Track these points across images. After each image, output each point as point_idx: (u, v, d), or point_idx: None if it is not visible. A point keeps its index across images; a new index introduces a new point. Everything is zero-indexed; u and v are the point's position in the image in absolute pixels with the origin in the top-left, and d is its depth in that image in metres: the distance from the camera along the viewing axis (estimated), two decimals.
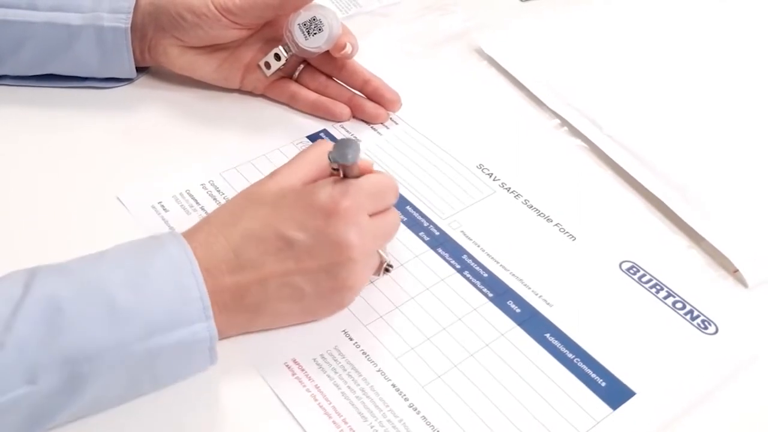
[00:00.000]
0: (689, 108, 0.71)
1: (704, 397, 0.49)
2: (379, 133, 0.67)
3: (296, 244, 0.48)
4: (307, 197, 0.49)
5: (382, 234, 0.53)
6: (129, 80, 0.69)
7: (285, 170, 0.52)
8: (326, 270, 0.49)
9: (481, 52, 0.77)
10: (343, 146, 0.47)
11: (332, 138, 0.66)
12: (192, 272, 0.45)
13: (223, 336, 0.48)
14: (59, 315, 0.41)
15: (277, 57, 0.65)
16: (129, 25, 0.64)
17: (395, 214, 0.54)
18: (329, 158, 0.48)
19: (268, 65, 0.66)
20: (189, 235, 0.49)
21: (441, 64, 0.76)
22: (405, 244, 0.58)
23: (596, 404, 0.48)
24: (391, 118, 0.69)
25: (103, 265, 0.45)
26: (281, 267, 0.48)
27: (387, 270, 0.54)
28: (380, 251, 0.53)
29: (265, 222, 0.49)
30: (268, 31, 0.66)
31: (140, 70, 0.69)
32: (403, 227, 0.59)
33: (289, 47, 0.65)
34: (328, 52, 0.65)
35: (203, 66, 0.67)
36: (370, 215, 0.51)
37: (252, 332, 0.51)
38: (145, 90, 0.69)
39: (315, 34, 0.63)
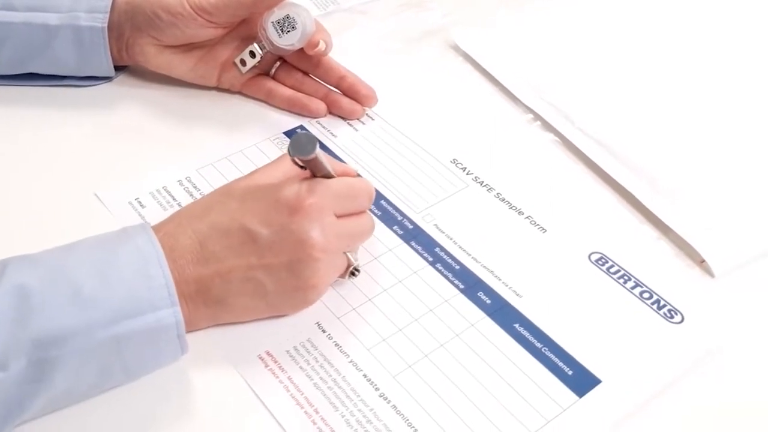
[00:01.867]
0: (659, 102, 0.72)
1: (669, 384, 0.50)
2: (355, 128, 0.68)
3: (259, 239, 0.49)
4: (274, 193, 0.50)
5: (348, 235, 0.53)
6: (108, 79, 0.70)
7: (262, 169, 0.53)
8: (288, 267, 0.49)
9: (457, 49, 0.78)
10: (299, 141, 0.48)
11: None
12: (158, 262, 0.46)
13: (192, 328, 0.49)
14: (27, 303, 0.42)
15: (252, 54, 0.66)
16: (106, 25, 0.65)
17: (367, 219, 0.55)
18: (288, 153, 0.49)
19: (243, 62, 0.67)
20: (158, 226, 0.50)
21: (418, 60, 0.77)
22: (379, 238, 0.58)
23: (563, 392, 0.49)
24: (367, 114, 0.70)
25: (72, 255, 0.46)
26: (243, 261, 0.49)
27: (353, 274, 0.54)
28: (348, 254, 0.53)
29: (232, 216, 0.49)
30: (243, 30, 0.67)
31: (119, 68, 0.70)
32: (377, 221, 0.60)
33: (263, 45, 0.65)
34: (303, 48, 0.65)
35: (180, 65, 0.68)
36: (339, 216, 0.51)
37: (224, 324, 0.52)
38: (123, 88, 0.70)
39: (288, 31, 0.64)
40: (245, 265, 0.49)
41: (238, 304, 0.50)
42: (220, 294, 0.49)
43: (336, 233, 0.51)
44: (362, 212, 0.54)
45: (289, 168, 0.52)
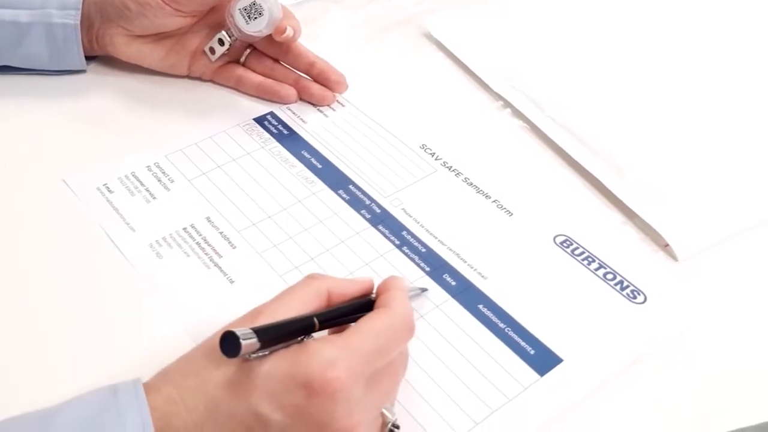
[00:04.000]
0: (627, 90, 0.73)
1: (630, 364, 0.51)
2: (325, 115, 0.69)
3: (270, 426, 0.39)
4: (286, 362, 0.39)
5: (382, 398, 0.43)
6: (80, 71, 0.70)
7: (269, 311, 0.42)
8: None
9: (429, 37, 0.79)
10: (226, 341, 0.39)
11: (278, 120, 0.67)
12: None
13: None
14: None
15: (221, 42, 0.66)
16: (78, 21, 0.65)
17: (403, 360, 0.45)
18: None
19: (212, 50, 0.67)
20: (150, 391, 0.40)
21: (390, 47, 0.78)
22: (347, 222, 0.59)
23: (524, 371, 0.50)
24: (338, 101, 0.70)
25: None
26: None
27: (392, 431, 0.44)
28: (384, 410, 0.44)
29: (234, 392, 0.40)
30: (213, 17, 0.67)
31: (90, 57, 0.70)
32: (345, 206, 0.60)
33: (231, 32, 0.66)
34: (272, 35, 0.66)
35: (151, 54, 0.68)
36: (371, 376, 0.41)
37: None
38: (94, 76, 0.70)
39: (255, 18, 0.64)
40: None
41: None
42: None
43: (367, 406, 0.41)
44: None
45: (301, 307, 0.42)
